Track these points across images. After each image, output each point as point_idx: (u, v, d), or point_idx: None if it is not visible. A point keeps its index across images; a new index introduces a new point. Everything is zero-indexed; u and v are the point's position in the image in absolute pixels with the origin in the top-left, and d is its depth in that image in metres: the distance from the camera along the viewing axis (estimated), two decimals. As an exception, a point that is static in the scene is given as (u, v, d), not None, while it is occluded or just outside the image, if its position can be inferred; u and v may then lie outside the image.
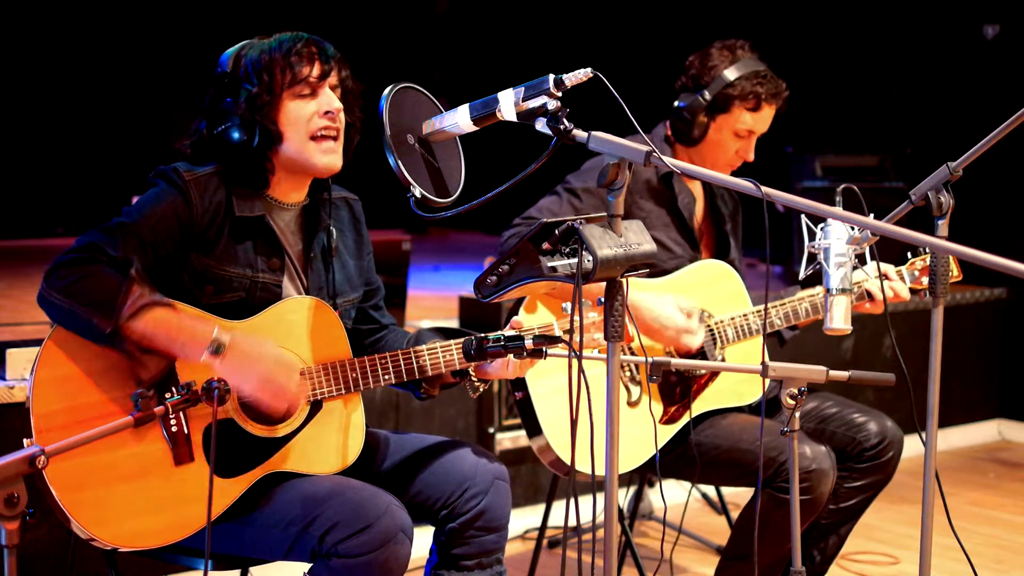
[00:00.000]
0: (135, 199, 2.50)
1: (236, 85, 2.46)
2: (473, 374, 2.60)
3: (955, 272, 3.19)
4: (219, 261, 2.44)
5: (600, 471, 1.98)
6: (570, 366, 1.98)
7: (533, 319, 2.98)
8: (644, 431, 2.99)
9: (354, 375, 2.50)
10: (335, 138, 2.49)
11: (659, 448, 2.67)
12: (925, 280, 3.20)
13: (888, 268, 3.15)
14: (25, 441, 2.24)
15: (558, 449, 2.97)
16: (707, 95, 3.21)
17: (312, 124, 2.47)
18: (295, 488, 2.41)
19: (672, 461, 3.11)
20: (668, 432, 3.08)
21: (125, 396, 2.32)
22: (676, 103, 3.27)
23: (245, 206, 2.47)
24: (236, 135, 2.44)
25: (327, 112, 2.47)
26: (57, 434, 2.25)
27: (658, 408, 3.07)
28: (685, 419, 3.08)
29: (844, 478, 3.18)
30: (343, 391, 2.49)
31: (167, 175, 2.44)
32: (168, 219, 2.40)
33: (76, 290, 2.28)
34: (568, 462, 2.97)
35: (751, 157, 3.28)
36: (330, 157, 2.49)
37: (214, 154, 2.48)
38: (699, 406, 3.12)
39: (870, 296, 3.14)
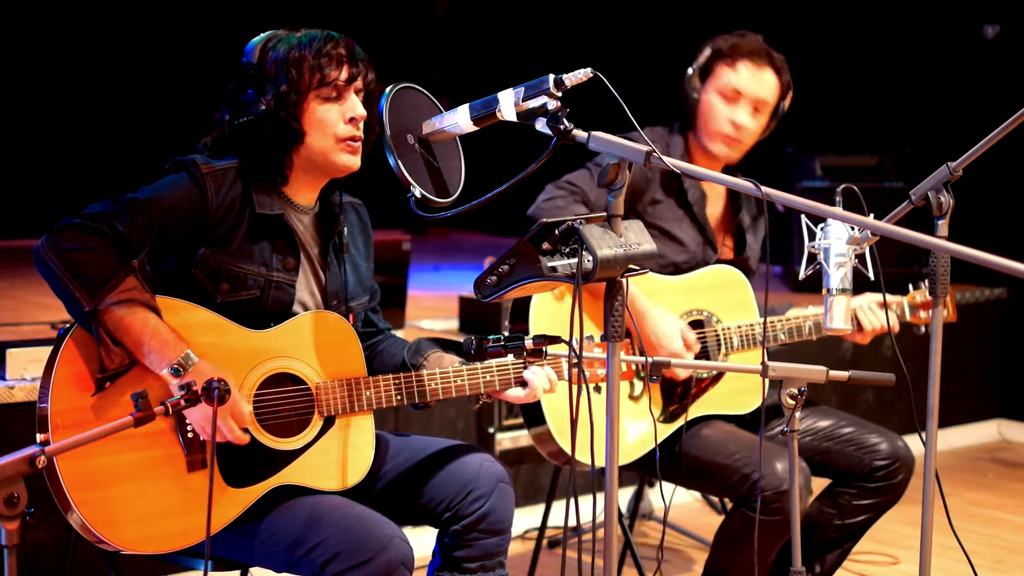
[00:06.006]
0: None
1: (262, 78, 2.45)
2: (484, 397, 2.59)
3: (950, 311, 3.17)
4: (234, 257, 2.43)
5: (600, 462, 1.98)
6: (570, 368, 1.98)
7: (559, 306, 2.97)
8: (642, 427, 3.01)
9: (367, 393, 2.50)
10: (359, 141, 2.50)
11: (657, 444, 2.68)
12: (924, 314, 3.20)
13: (874, 298, 3.15)
14: (38, 436, 2.25)
15: (559, 437, 2.96)
16: (696, 65, 3.24)
17: (338, 130, 2.46)
18: (301, 507, 2.39)
19: (659, 463, 3.11)
20: (666, 431, 3.09)
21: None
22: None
23: (265, 204, 2.47)
24: (258, 129, 2.43)
25: (351, 119, 2.47)
26: (73, 431, 2.23)
27: (659, 405, 3.08)
28: (682, 421, 3.08)
29: (853, 495, 3.17)
30: (355, 408, 2.49)
31: (185, 165, 2.43)
32: (181, 206, 2.38)
33: (73, 259, 2.26)
34: (568, 451, 2.98)
35: (745, 121, 3.15)
36: (352, 158, 2.49)
37: (234, 147, 2.47)
38: (698, 409, 3.12)
39: (859, 327, 3.14)
